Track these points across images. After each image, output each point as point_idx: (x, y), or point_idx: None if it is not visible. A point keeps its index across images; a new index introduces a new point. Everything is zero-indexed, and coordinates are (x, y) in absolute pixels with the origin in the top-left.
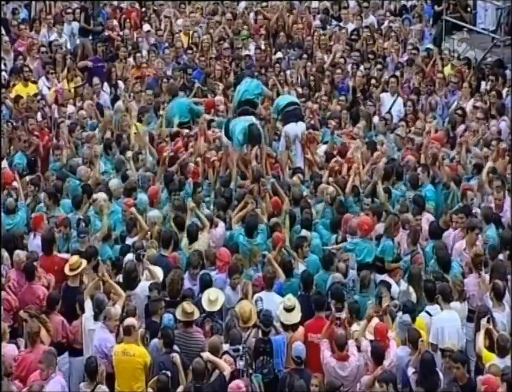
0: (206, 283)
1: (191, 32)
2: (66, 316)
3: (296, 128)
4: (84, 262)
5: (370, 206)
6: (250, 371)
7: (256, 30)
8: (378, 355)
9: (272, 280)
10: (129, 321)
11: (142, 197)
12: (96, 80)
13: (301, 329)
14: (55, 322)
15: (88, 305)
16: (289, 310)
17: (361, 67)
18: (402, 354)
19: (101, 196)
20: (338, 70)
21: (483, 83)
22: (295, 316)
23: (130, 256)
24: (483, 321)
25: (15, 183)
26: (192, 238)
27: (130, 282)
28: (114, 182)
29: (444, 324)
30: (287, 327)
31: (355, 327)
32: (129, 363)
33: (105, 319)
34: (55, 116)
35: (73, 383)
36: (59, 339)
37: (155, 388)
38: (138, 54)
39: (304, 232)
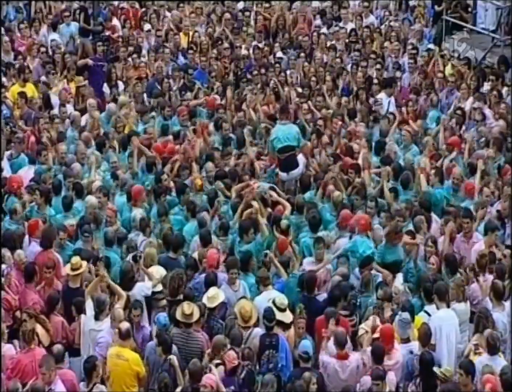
0: (211, 283)
1: (191, 32)
2: (66, 317)
3: (286, 177)
4: (84, 263)
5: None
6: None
7: (256, 30)
8: (378, 355)
9: (267, 279)
10: (126, 324)
11: (119, 199)
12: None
13: (292, 330)
14: (55, 322)
15: (89, 304)
16: (282, 309)
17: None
18: (403, 352)
19: (91, 199)
20: (344, 72)
21: (485, 84)
22: (288, 316)
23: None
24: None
25: (22, 189)
26: (206, 242)
27: (127, 283)
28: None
29: (442, 322)
30: (284, 327)
31: (361, 331)
32: (122, 367)
33: (112, 321)
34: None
35: None
36: (59, 339)
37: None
38: (138, 55)
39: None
